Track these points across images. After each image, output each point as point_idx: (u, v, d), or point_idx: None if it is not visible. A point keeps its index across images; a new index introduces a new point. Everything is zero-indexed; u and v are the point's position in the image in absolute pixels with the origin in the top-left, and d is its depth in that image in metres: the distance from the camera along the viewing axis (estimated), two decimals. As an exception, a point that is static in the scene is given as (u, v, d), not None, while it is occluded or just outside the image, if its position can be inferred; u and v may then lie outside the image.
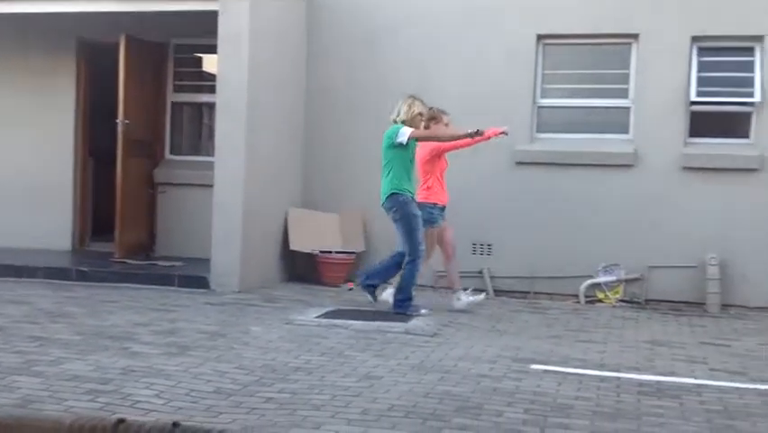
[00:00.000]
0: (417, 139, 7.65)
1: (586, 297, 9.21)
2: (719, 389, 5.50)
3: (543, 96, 9.48)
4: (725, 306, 8.88)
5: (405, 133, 7.53)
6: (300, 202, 10.06)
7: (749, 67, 8.93)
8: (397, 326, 7.13)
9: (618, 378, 5.69)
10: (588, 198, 9.23)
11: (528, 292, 9.41)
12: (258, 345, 6.29)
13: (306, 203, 10.07)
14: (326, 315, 7.54)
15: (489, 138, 7.89)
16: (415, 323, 7.30)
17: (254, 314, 7.61)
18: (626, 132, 9.28)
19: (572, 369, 5.89)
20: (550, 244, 9.31)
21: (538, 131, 9.44)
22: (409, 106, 7.68)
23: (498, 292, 9.44)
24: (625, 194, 9.15)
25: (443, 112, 8.04)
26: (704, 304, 8.86)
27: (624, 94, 9.28)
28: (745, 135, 9.06)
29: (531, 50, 9.37)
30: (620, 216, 9.16)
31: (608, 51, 9.40)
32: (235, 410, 4.55)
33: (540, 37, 9.39)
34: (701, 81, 8.98)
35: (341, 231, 9.82)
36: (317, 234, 9.72)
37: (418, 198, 7.85)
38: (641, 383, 5.56)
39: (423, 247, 7.65)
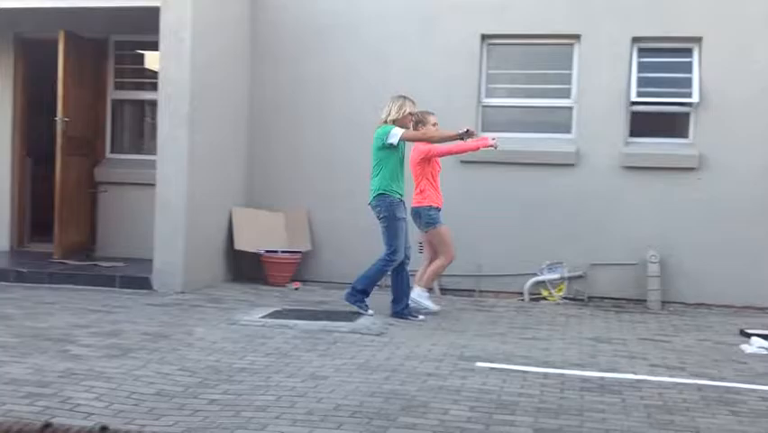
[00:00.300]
0: (408, 140, 7.64)
1: (531, 294, 9.31)
2: (659, 384, 5.60)
3: (488, 96, 9.56)
4: (665, 302, 9.04)
5: (396, 134, 7.46)
6: (245, 201, 9.97)
7: (688, 68, 9.10)
8: (343, 325, 7.11)
9: (562, 374, 5.76)
10: (532, 196, 9.33)
11: (474, 290, 9.48)
12: (201, 346, 6.21)
13: (251, 202, 9.99)
14: (272, 315, 7.48)
15: (477, 149, 7.88)
16: (361, 322, 7.29)
17: (198, 315, 7.52)
18: (569, 131, 9.41)
19: (517, 366, 5.94)
20: (495, 243, 9.39)
21: (483, 130, 9.48)
22: (400, 107, 7.61)
23: (444, 291, 9.48)
24: (568, 193, 9.27)
25: (429, 112, 7.99)
26: (645, 301, 9.02)
27: (566, 94, 9.40)
28: (685, 135, 9.23)
29: (476, 49, 9.43)
30: (563, 214, 9.27)
31: (551, 52, 9.51)
32: (178, 413, 4.48)
33: (484, 37, 9.45)
34: (641, 82, 9.14)
35: (286, 230, 9.76)
36: (262, 233, 9.65)
37: (414, 203, 7.95)
38: (584, 379, 5.63)
39: (400, 252, 7.58)
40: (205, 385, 5.07)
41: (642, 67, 9.17)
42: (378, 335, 6.88)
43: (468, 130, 7.51)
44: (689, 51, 9.12)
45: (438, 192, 8.05)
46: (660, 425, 4.66)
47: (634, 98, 9.11)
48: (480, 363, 5.97)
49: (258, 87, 10.00)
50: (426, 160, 7.92)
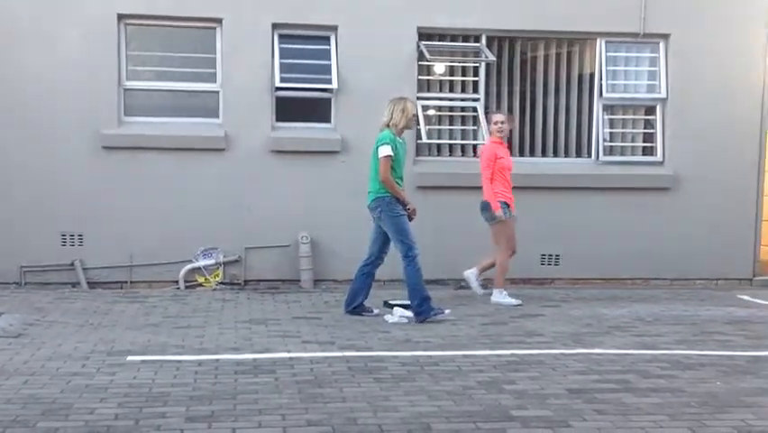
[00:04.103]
0: (381, 164, 7.39)
1: (186, 282, 9.14)
2: (311, 360, 5.77)
3: (129, 79, 9.17)
4: (318, 281, 9.37)
5: (383, 152, 7.34)
6: None
7: (327, 54, 9.45)
8: (-25, 330, 6.43)
9: (217, 360, 5.71)
10: (182, 182, 9.14)
11: (126, 282, 9.09)
12: None
13: None
14: None
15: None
16: (-4, 326, 6.66)
17: None
18: (217, 116, 9.34)
19: (170, 356, 5.81)
20: (146, 231, 9.08)
21: (126, 114, 9.12)
22: (402, 110, 7.45)
23: (92, 284, 9.01)
24: (218, 177, 9.21)
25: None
26: (299, 281, 9.26)
27: (212, 78, 9.31)
28: (327, 120, 9.58)
29: (112, 30, 8.98)
30: (215, 199, 9.20)
31: (194, 35, 9.34)
32: None
33: (121, 17, 9.03)
34: (285, 67, 9.31)
35: None
36: None
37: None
38: (238, 363, 5.64)
39: (416, 244, 7.32)
40: None
41: (284, 53, 9.34)
42: (16, 337, 6.33)
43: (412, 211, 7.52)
44: (327, 39, 9.47)
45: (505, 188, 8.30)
46: (310, 399, 4.79)
47: (278, 84, 9.26)
48: (131, 357, 5.74)
49: None
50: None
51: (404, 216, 7.44)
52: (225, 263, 9.26)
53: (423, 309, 7.28)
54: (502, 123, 8.39)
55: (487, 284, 8.64)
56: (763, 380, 5.49)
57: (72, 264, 8.99)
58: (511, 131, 8.79)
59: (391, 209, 7.41)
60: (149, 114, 9.21)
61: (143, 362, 5.63)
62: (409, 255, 7.31)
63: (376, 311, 7.63)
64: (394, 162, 7.40)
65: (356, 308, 7.62)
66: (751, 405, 4.89)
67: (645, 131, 10.18)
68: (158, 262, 9.13)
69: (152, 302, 8.18)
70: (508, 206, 8.35)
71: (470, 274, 8.61)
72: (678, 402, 4.91)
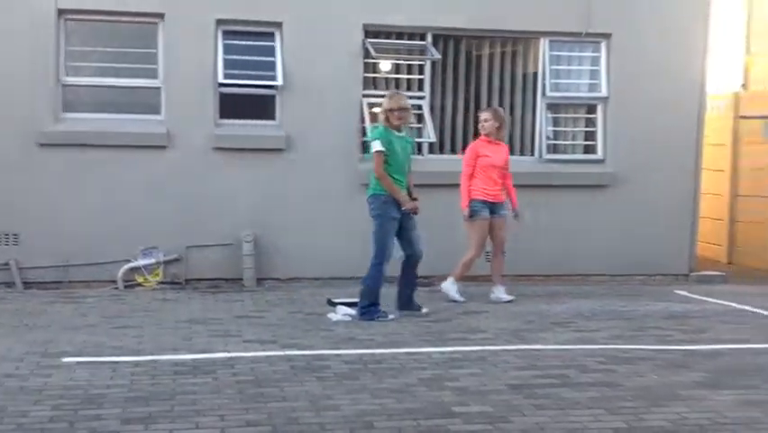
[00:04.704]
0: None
1: (125, 282, 8.99)
2: (252, 359, 5.72)
3: (68, 74, 8.97)
4: (261, 279, 9.29)
5: (374, 147, 7.33)
6: None
7: (271, 51, 9.37)
8: None
9: (155, 361, 5.63)
10: (121, 180, 8.97)
11: (63, 282, 8.90)
12: None
13: None
14: None
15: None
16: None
17: None
18: (159, 112, 9.18)
19: (107, 357, 5.71)
20: (84, 230, 8.89)
21: (64, 110, 8.93)
22: (384, 105, 7.46)
23: (27, 285, 8.79)
24: (159, 175, 9.06)
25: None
26: (241, 280, 9.18)
27: (154, 74, 9.15)
28: (272, 117, 9.50)
29: (51, 24, 8.76)
30: (156, 197, 9.05)
31: (135, 30, 9.18)
32: None
33: (61, 12, 8.83)
34: (228, 64, 9.20)
35: None
36: None
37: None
38: (177, 363, 5.57)
39: (389, 257, 7.34)
40: None
41: (228, 49, 9.24)
42: (-54, 340, 6.15)
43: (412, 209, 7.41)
44: (271, 35, 9.39)
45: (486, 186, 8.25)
46: (250, 399, 4.75)
47: (222, 80, 9.15)
48: (66, 359, 5.63)
49: None
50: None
51: (392, 222, 7.31)
52: (166, 262, 9.12)
53: (368, 311, 7.28)
54: (485, 120, 8.40)
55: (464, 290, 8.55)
56: (698, 373, 5.60)
57: (7, 264, 8.77)
58: (499, 127, 8.44)
59: (384, 210, 7.30)
60: (88, 110, 9.03)
61: (79, 363, 5.52)
62: (376, 263, 7.31)
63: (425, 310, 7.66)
64: (389, 158, 7.29)
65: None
66: (686, 398, 4.98)
67: (587, 129, 10.31)
68: (96, 262, 8.95)
69: (90, 302, 8.02)
70: (487, 204, 8.27)
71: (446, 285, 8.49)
72: (615, 396, 4.98)
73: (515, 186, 8.58)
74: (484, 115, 8.48)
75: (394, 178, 7.33)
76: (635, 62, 10.05)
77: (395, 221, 7.33)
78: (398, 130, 7.45)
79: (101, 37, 9.14)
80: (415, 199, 7.49)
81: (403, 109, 7.43)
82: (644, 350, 6.30)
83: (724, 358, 6.10)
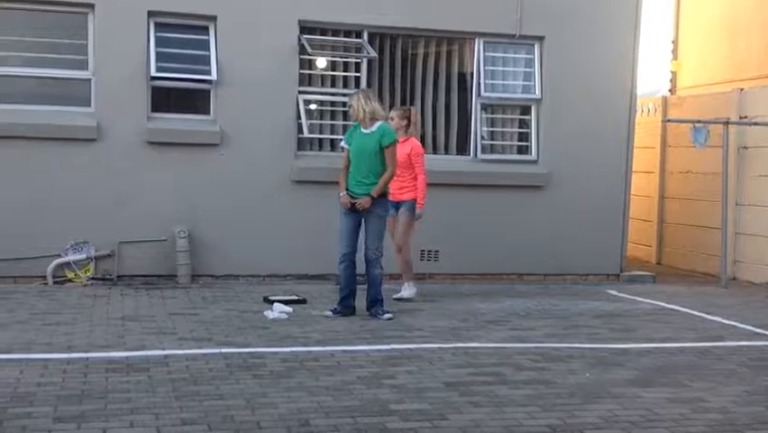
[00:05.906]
0: None
1: (55, 277, 8.76)
2: (187, 357, 5.64)
3: (-7, 64, 8.72)
4: (195, 276, 9.15)
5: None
6: None
7: (206, 45, 9.25)
8: None
9: (87, 358, 5.52)
10: (50, 173, 8.74)
11: (-12, 278, 8.64)
12: None
13: None
14: None
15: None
16: None
17: None
18: (88, 104, 8.97)
19: (37, 355, 5.58)
20: (11, 225, 8.63)
21: (-10, 101, 8.68)
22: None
23: (-49, 281, 8.51)
24: (89, 169, 8.85)
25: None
26: (176, 276, 9.04)
27: (83, 65, 8.94)
28: (206, 111, 9.37)
29: (-23, 13, 8.52)
30: (86, 191, 8.85)
31: (63, 20, 8.94)
32: None
33: (-11, 0, 8.59)
34: (161, 57, 9.03)
35: None
36: None
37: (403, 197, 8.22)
38: (110, 361, 5.47)
39: (341, 247, 7.55)
40: None
41: (160, 42, 9.07)
42: None
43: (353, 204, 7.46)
44: (205, 29, 9.26)
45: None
46: (185, 397, 4.69)
47: (154, 73, 8.98)
48: (-6, 356, 5.46)
49: None
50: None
51: (343, 216, 7.52)
52: (97, 258, 8.92)
53: (383, 309, 7.52)
54: (390, 119, 8.37)
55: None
56: (629, 371, 5.73)
57: (-69, 260, 8.49)
58: (407, 125, 8.41)
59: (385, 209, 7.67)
60: (14, 101, 8.76)
61: (7, 361, 5.39)
62: (379, 255, 7.54)
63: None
64: (350, 154, 7.53)
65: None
66: (618, 396, 5.09)
67: (521, 130, 10.45)
68: (24, 257, 8.70)
69: (18, 298, 7.79)
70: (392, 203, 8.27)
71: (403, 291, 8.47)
72: (549, 394, 5.07)
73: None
74: (390, 114, 8.48)
75: (358, 179, 7.47)
76: (567, 65, 10.22)
77: (344, 215, 7.50)
78: (365, 127, 7.54)
79: (30, 27, 8.88)
80: (357, 196, 7.45)
81: (365, 109, 7.63)
82: (577, 348, 6.42)
83: (654, 356, 6.26)
